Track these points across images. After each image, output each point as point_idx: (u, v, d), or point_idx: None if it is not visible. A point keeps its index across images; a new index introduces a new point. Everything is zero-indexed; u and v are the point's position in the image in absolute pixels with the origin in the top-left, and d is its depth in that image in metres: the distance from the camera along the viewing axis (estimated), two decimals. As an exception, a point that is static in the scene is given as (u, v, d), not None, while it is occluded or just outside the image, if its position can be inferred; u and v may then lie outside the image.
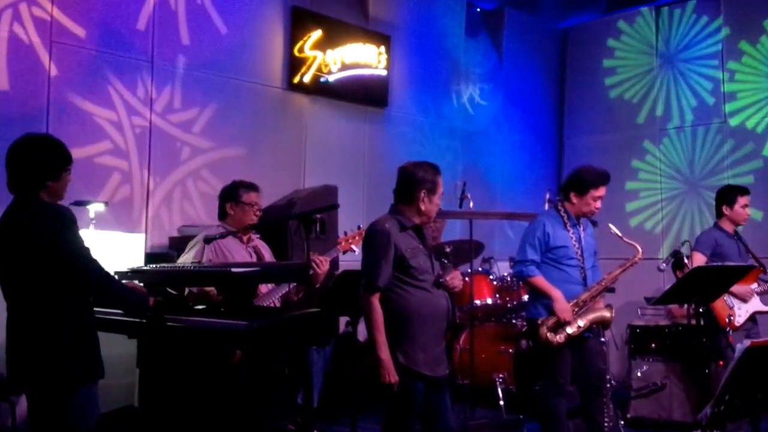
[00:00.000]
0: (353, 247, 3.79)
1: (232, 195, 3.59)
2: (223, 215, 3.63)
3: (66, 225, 2.37)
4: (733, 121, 6.33)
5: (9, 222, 2.42)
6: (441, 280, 2.83)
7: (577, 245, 3.56)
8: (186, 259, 3.54)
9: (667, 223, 6.67)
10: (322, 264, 3.37)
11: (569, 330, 3.42)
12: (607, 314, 3.52)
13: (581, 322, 3.46)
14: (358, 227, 3.87)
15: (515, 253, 5.41)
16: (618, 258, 3.70)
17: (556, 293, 3.43)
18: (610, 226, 3.62)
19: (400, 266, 2.79)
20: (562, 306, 3.41)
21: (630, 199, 6.84)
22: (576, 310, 3.46)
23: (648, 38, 6.92)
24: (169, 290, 3.10)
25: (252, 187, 3.64)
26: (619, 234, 3.60)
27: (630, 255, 3.61)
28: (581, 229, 3.62)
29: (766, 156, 6.11)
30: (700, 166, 6.57)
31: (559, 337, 3.43)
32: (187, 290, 3.24)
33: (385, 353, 2.75)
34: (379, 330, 2.77)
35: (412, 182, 2.88)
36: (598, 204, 3.55)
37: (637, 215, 6.82)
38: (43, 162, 2.44)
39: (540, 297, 3.52)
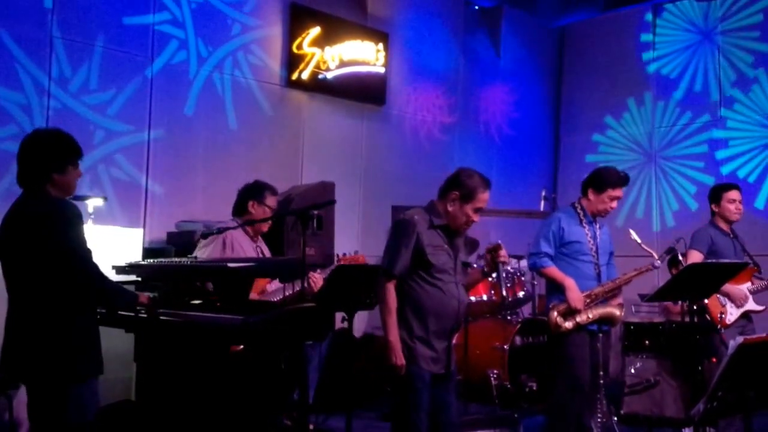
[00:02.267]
0: None
1: (257, 194, 3.59)
2: (241, 211, 3.61)
3: (67, 221, 2.36)
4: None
5: (14, 215, 2.43)
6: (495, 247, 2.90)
7: (592, 242, 3.62)
8: (204, 255, 3.51)
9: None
10: (316, 283, 3.38)
11: (579, 318, 3.48)
12: (616, 312, 3.58)
13: (590, 314, 3.52)
14: (356, 252, 3.98)
15: (511, 250, 5.48)
16: (633, 255, 3.76)
17: (570, 282, 3.50)
18: (630, 231, 3.68)
19: (419, 260, 2.82)
20: (575, 295, 3.47)
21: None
22: (588, 301, 3.52)
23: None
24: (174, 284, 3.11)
25: (275, 192, 3.67)
26: (638, 240, 3.65)
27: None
28: (597, 227, 3.69)
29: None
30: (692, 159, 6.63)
31: (568, 324, 3.48)
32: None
33: (393, 335, 2.77)
34: (390, 313, 2.79)
35: (452, 182, 2.91)
36: (614, 204, 3.63)
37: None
38: (49, 154, 2.43)
39: (556, 291, 3.58)
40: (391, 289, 2.81)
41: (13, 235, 2.40)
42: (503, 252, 2.94)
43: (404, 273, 2.81)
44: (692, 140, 6.63)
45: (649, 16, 6.94)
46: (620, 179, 3.62)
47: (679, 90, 6.75)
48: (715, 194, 4.32)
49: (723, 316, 4.08)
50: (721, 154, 6.40)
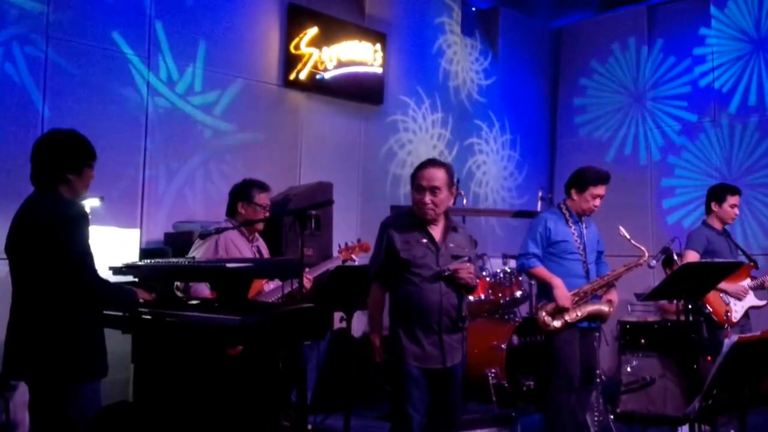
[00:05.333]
0: (353, 256, 3.84)
1: (244, 194, 3.53)
2: (232, 212, 3.58)
3: (75, 224, 2.37)
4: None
5: (23, 214, 2.44)
6: (443, 269, 2.84)
7: (578, 240, 3.67)
8: (197, 255, 3.52)
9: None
10: (306, 283, 3.34)
11: (567, 317, 3.52)
12: (605, 308, 3.62)
13: (579, 312, 3.55)
14: (358, 240, 3.94)
15: (508, 250, 5.50)
16: (626, 256, 3.79)
17: (557, 281, 3.55)
18: (620, 228, 3.72)
19: (394, 258, 2.87)
20: (562, 293, 3.52)
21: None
22: (576, 299, 3.56)
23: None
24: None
25: (265, 188, 3.58)
26: (628, 236, 3.70)
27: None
28: (583, 226, 3.73)
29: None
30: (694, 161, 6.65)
31: (557, 323, 3.52)
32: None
33: (372, 335, 2.95)
34: (370, 314, 2.98)
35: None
36: (597, 202, 3.66)
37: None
38: (65, 155, 2.44)
39: (546, 291, 3.62)
40: (374, 290, 2.94)
41: (22, 234, 2.41)
42: (460, 275, 2.86)
43: (381, 272, 2.92)
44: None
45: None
46: (600, 177, 3.66)
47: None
48: (720, 195, 4.28)
49: (729, 314, 4.10)
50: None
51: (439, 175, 2.86)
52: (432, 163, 2.92)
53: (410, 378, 2.81)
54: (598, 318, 3.64)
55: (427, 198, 2.85)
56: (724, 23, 6.49)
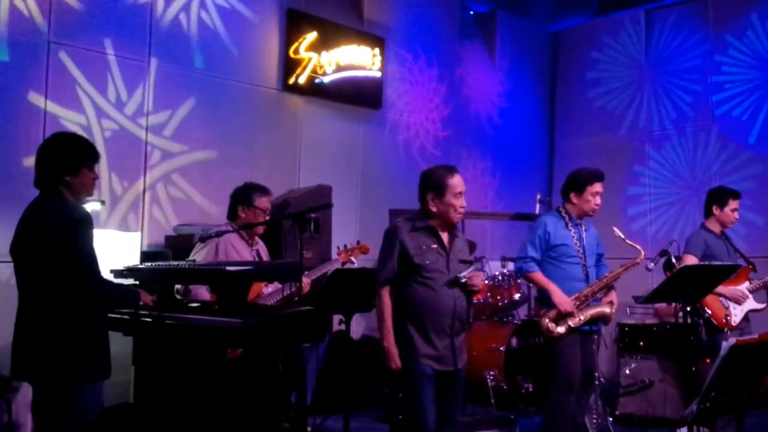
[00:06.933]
0: (352, 259, 3.87)
1: (245, 198, 3.57)
2: (233, 216, 3.61)
3: (76, 226, 2.38)
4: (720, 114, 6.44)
5: (27, 217, 2.46)
6: (459, 276, 2.91)
7: (578, 243, 3.68)
8: (198, 258, 3.54)
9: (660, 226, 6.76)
10: (305, 286, 3.36)
11: (571, 322, 3.53)
12: (606, 310, 3.64)
13: (581, 316, 3.57)
14: (358, 242, 3.96)
15: (507, 252, 5.53)
16: (623, 257, 3.81)
17: (554, 287, 3.57)
18: (614, 229, 3.74)
19: (407, 263, 2.92)
20: (561, 299, 3.53)
21: (630, 204, 6.90)
22: (577, 303, 3.57)
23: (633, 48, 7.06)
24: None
25: (265, 192, 3.62)
26: (623, 236, 3.72)
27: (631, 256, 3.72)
28: (583, 229, 3.74)
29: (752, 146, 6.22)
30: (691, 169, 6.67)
31: (561, 329, 3.53)
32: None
33: (387, 341, 2.91)
34: (384, 320, 2.92)
35: (422, 186, 3.03)
36: (598, 200, 3.69)
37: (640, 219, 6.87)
38: (62, 156, 2.46)
39: (546, 297, 3.63)
40: (383, 296, 2.94)
41: (26, 237, 2.43)
42: (473, 282, 2.95)
43: (393, 279, 2.94)
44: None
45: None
46: (595, 175, 3.69)
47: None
48: (722, 198, 4.27)
49: (728, 318, 4.10)
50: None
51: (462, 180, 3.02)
52: (456, 169, 3.05)
53: (425, 376, 2.87)
54: (600, 320, 3.66)
55: (464, 202, 2.98)
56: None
